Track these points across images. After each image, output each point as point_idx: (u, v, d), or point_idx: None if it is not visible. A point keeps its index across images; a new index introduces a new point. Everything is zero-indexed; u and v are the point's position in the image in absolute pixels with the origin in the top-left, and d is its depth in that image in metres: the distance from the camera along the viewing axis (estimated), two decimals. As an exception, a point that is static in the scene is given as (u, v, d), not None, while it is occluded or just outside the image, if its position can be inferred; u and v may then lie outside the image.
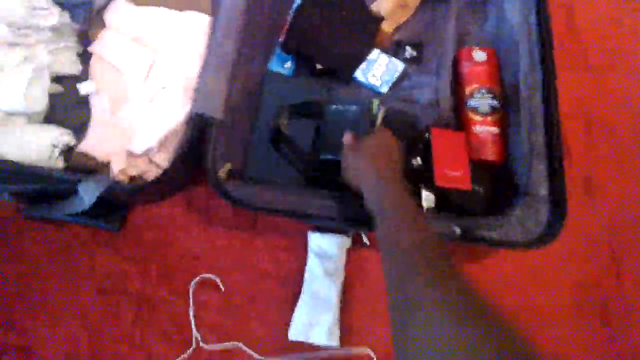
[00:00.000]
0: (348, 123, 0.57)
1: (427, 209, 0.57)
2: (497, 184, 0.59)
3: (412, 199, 0.43)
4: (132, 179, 0.55)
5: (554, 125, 0.55)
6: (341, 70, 0.67)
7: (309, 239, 0.60)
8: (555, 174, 0.53)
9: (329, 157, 0.56)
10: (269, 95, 0.65)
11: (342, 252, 0.59)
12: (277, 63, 0.67)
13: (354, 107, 0.59)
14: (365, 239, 0.60)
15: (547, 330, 0.58)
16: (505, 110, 0.61)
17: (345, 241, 0.60)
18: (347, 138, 0.53)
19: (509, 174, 0.58)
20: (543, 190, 0.53)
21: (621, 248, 0.63)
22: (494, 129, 0.61)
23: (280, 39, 0.66)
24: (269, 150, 0.61)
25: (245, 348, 0.54)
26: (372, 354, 0.56)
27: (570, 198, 0.52)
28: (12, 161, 0.50)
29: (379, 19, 0.69)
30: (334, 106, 0.60)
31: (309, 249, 0.59)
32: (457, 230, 0.50)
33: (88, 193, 0.48)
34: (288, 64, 0.67)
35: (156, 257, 0.59)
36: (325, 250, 0.59)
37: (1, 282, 0.58)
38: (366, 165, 0.47)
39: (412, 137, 0.61)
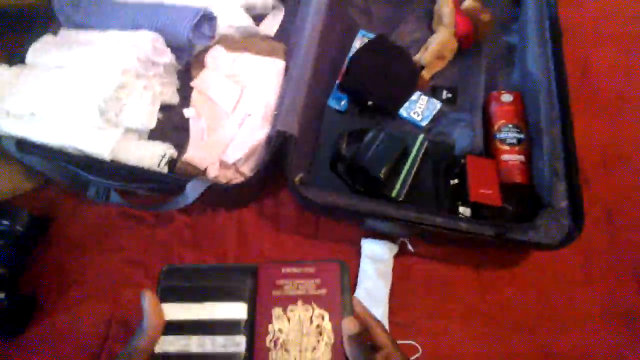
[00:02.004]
0: (382, 146, 0.71)
1: (464, 217, 0.67)
2: (524, 204, 0.69)
3: None
4: (221, 185, 0.67)
5: (571, 152, 0.66)
6: (389, 107, 0.80)
7: (362, 244, 0.70)
8: (574, 191, 0.63)
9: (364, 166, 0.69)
10: (326, 126, 0.78)
11: (391, 256, 0.69)
12: (334, 100, 0.81)
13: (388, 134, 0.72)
14: (410, 247, 0.70)
15: (575, 332, 0.66)
16: (530, 143, 0.73)
17: (393, 247, 0.70)
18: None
19: (535, 195, 0.68)
20: (564, 205, 0.63)
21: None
22: (521, 157, 0.71)
23: (338, 80, 0.81)
24: (326, 172, 0.74)
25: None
26: (418, 347, 0.64)
27: (594, 225, 0.64)
28: (133, 166, 0.64)
29: (420, 67, 0.83)
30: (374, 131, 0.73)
31: (362, 253, 0.70)
32: (491, 232, 0.60)
33: (193, 191, 0.60)
34: (343, 102, 0.81)
35: (234, 253, 0.70)
36: (376, 253, 0.69)
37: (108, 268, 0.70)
38: None
39: (450, 162, 0.73)
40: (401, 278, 0.69)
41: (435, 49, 0.81)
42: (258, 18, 0.86)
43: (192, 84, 0.74)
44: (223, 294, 0.38)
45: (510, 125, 0.74)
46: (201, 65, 0.75)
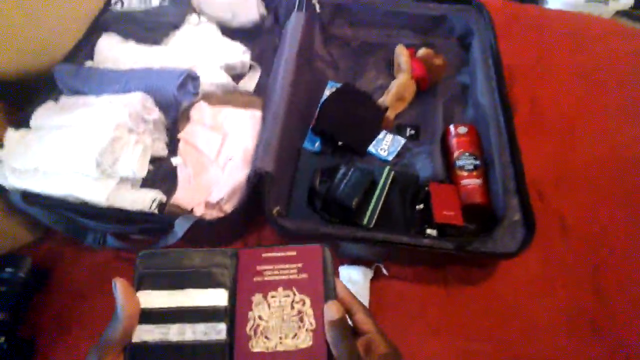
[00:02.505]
0: (353, 179, 0.77)
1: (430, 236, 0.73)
2: (484, 221, 0.76)
3: None
4: (207, 223, 0.74)
5: (520, 171, 0.74)
6: (357, 146, 0.88)
7: (339, 270, 0.75)
8: (525, 205, 0.70)
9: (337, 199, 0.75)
10: (304, 167, 0.86)
11: (367, 280, 0.74)
12: (309, 143, 0.89)
13: (358, 170, 0.79)
14: (384, 271, 0.75)
15: (542, 340, 0.70)
16: (486, 167, 0.81)
17: (368, 272, 0.75)
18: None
19: (492, 213, 0.75)
20: (517, 217, 0.69)
21: (597, 268, 0.76)
22: (478, 181, 0.79)
23: (311, 124, 0.90)
24: (304, 210, 0.80)
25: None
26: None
27: (551, 237, 0.71)
28: (127, 210, 0.71)
29: (384, 109, 0.93)
30: (345, 167, 0.80)
31: (340, 279, 0.75)
32: (452, 245, 0.66)
33: (181, 227, 0.66)
34: (317, 144, 0.89)
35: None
36: (353, 278, 0.74)
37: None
38: None
39: (415, 190, 0.80)
40: (377, 300, 0.74)
41: (395, 91, 0.91)
42: (238, 77, 0.97)
43: (179, 135, 0.83)
44: (203, 280, 0.37)
45: (467, 154, 0.82)
46: (187, 119, 0.84)
